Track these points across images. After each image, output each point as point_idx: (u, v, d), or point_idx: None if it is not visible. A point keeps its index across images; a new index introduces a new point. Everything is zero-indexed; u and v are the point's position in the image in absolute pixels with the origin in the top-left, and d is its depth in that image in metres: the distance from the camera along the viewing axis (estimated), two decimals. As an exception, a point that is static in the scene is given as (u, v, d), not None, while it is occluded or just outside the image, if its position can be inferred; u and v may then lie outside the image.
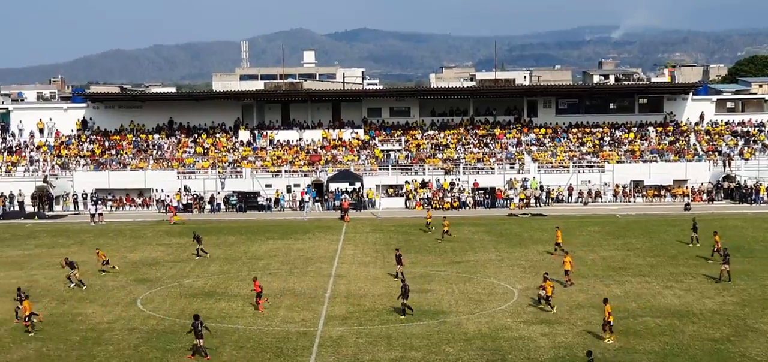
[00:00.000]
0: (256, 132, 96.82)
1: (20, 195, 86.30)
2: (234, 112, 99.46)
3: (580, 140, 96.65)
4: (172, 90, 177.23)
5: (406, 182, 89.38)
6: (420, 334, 39.00)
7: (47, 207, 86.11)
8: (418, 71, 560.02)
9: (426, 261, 57.52)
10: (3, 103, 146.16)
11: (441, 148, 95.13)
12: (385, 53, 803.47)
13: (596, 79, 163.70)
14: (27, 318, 40.31)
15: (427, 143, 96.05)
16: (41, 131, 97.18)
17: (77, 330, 40.49)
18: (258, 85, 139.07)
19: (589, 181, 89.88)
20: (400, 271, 49.29)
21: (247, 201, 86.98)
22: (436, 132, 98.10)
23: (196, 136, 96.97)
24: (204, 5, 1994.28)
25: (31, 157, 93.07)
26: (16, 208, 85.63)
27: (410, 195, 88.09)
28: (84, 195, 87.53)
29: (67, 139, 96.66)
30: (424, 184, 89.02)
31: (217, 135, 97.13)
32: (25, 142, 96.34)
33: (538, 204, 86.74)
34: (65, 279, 50.32)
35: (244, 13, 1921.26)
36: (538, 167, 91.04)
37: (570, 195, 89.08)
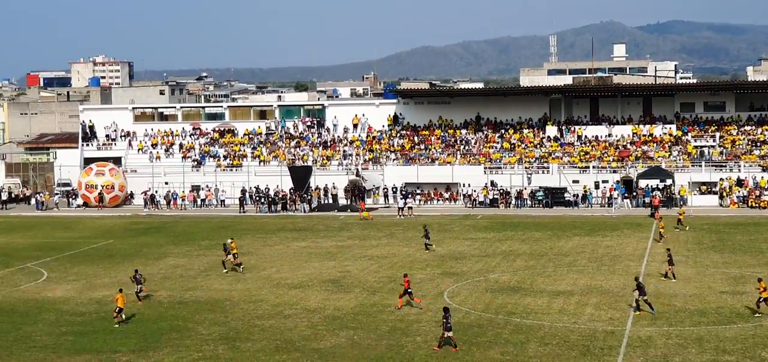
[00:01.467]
0: (563, 127, 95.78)
1: (334, 188, 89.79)
2: (541, 107, 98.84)
3: None
4: (480, 85, 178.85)
5: (721, 179, 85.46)
6: (733, 337, 36.96)
7: (359, 199, 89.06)
8: (733, 64, 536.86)
9: (741, 261, 54.69)
10: (319, 99, 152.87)
11: (758, 144, 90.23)
12: (698, 46, 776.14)
13: None
14: (118, 311, 41.45)
15: (744, 139, 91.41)
16: (355, 126, 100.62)
17: (387, 320, 41.37)
18: (566, 79, 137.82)
19: None
20: (670, 271, 48.30)
21: (554, 196, 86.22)
22: (754, 127, 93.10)
23: (503, 131, 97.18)
24: (513, 0, 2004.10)
25: (344, 151, 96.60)
26: (330, 201, 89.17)
27: (724, 194, 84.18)
28: (393, 189, 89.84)
29: (379, 134, 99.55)
30: (739, 182, 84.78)
31: (524, 130, 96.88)
32: (339, 136, 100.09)
33: None
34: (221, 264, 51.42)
35: (553, 7, 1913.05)
36: None
37: None
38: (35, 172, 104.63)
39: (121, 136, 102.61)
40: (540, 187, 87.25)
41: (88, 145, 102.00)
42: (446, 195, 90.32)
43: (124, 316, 41.65)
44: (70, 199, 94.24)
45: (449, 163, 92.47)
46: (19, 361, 36.21)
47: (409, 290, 43.78)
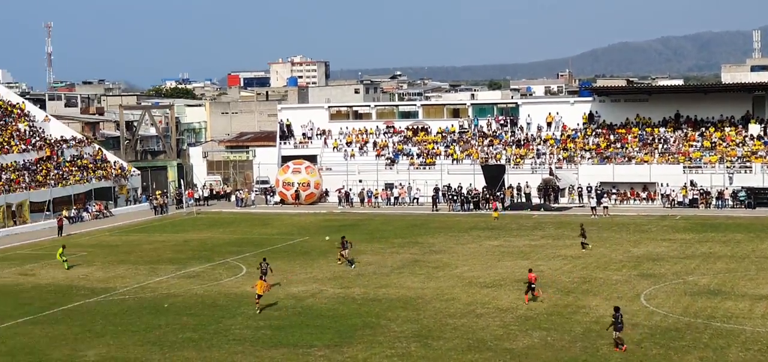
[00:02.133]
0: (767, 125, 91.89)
1: (527, 186, 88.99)
2: (743, 104, 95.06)
3: None
4: (679, 82, 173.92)
5: None
6: None
7: (552, 198, 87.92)
8: None
9: None
10: (512, 97, 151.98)
11: None
12: None
13: None
14: (259, 297, 44.52)
15: None
16: (549, 125, 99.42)
17: (581, 321, 40.64)
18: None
19: None
20: None
21: (757, 197, 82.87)
22: None
23: (703, 129, 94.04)
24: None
25: (538, 150, 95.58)
26: (523, 200, 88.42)
27: None
28: (588, 188, 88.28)
29: (573, 132, 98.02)
30: None
31: (726, 128, 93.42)
32: (532, 135, 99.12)
33: None
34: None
35: (756, 1, 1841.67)
36: None
37: None
38: (235, 170, 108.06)
39: (317, 135, 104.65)
40: (742, 187, 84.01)
41: (285, 143, 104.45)
42: (643, 195, 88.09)
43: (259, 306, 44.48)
44: (268, 196, 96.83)
45: (646, 161, 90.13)
46: (219, 353, 37.35)
47: (532, 285, 44.45)
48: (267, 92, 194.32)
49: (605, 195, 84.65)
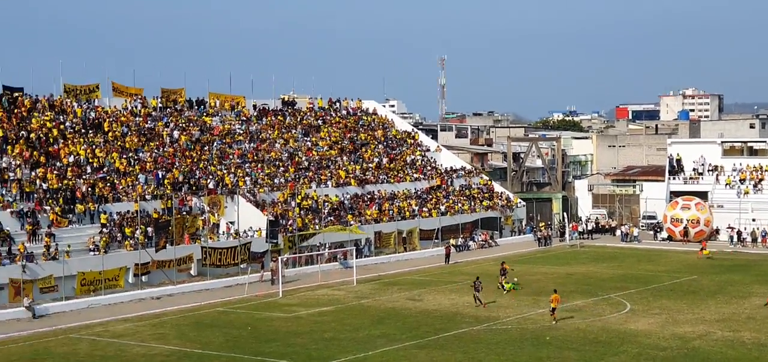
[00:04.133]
0: None
1: None
2: None
3: None
4: None
5: None
6: None
7: None
8: None
9: None
10: None
11: None
12: None
13: None
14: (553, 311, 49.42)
15: None
16: None
17: None
18: None
19: None
20: None
21: None
22: None
23: None
24: None
25: None
26: None
27: None
28: None
29: None
30: None
31: None
32: None
33: None
34: None
35: None
36: None
37: None
38: (621, 204, 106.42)
39: (708, 170, 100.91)
40: None
41: (674, 178, 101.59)
42: None
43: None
44: (656, 232, 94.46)
45: None
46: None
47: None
48: (656, 125, 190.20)
49: None
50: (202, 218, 72.45)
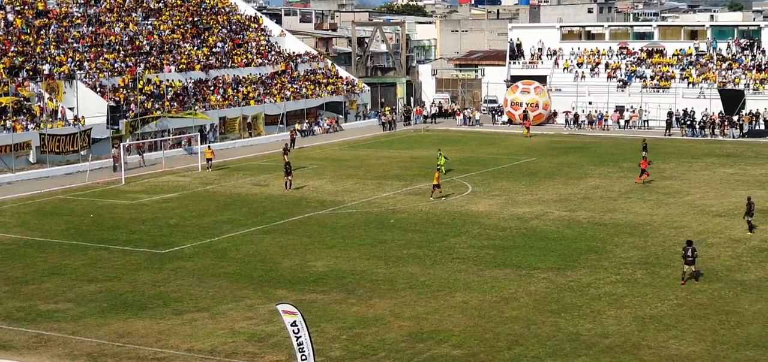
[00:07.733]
0: None
1: (766, 112, 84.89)
2: None
3: None
4: None
5: None
6: None
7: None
8: None
9: None
10: (754, 19, 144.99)
11: None
12: None
13: None
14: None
15: None
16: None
17: (820, 257, 38.65)
18: None
19: None
20: None
21: None
22: None
23: None
24: None
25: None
26: (762, 126, 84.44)
27: None
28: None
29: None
30: None
31: None
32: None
33: None
34: None
35: None
36: None
37: None
38: (464, 88, 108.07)
39: (547, 55, 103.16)
40: None
41: (515, 62, 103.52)
42: None
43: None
44: (496, 116, 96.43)
45: None
46: (443, 270, 37.63)
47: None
48: (498, 11, 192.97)
49: None
50: (39, 104, 70.32)
